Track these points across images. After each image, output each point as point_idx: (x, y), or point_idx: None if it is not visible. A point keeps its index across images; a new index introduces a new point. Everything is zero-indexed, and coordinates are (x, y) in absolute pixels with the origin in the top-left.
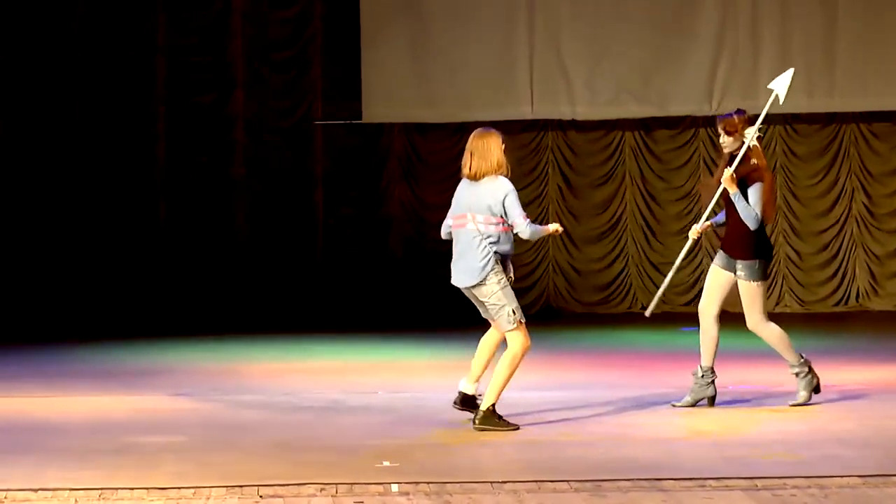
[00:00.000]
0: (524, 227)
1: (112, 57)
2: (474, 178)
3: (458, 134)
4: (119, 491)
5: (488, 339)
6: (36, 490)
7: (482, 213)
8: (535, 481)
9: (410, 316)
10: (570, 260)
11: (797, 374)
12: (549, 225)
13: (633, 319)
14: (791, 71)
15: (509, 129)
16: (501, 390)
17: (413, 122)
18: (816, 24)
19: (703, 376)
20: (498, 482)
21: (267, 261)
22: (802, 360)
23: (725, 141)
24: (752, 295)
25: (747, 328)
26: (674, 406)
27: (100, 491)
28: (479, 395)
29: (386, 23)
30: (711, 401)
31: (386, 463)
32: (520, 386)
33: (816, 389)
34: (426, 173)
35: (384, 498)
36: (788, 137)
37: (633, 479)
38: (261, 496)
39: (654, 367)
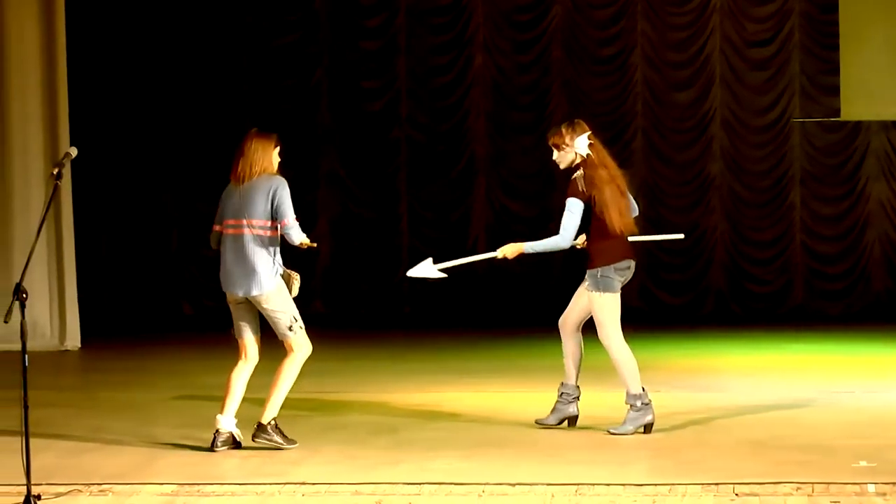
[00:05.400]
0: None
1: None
2: (241, 181)
3: None
4: (596, 486)
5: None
6: (514, 484)
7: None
8: None
9: None
10: None
11: (632, 407)
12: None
13: None
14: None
15: None
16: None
17: (893, 119)
18: None
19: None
20: None
21: (738, 258)
22: (644, 392)
23: (557, 156)
24: (596, 307)
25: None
26: (537, 422)
27: (576, 486)
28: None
29: (866, 20)
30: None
31: (863, 463)
32: None
33: (647, 428)
34: None
35: (861, 498)
36: None
37: None
38: (736, 494)
39: None
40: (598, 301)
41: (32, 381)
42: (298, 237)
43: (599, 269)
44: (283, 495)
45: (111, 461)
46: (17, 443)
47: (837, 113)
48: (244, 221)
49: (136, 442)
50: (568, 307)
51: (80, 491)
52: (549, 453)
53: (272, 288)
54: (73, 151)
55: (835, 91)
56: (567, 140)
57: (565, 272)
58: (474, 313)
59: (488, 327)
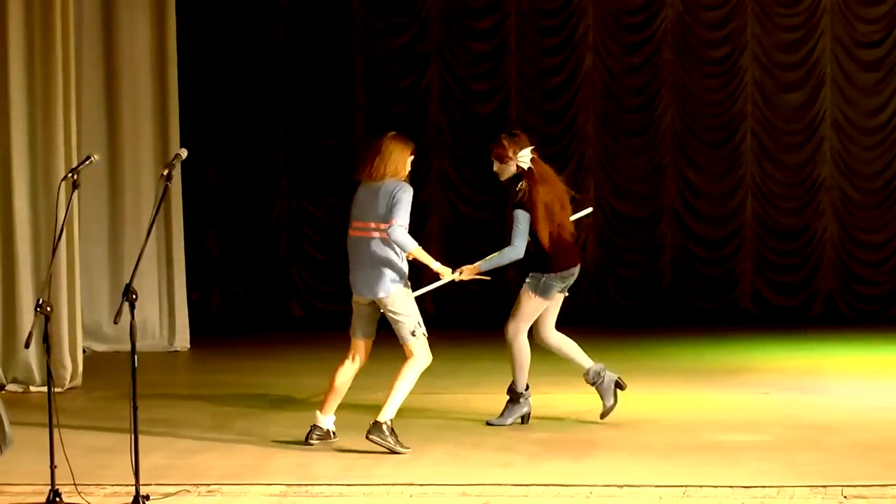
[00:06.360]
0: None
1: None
2: (373, 179)
3: None
4: (703, 488)
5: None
6: (621, 486)
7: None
8: None
9: None
10: None
11: (511, 399)
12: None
13: None
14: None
15: None
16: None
17: None
18: None
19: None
20: None
21: (848, 260)
22: (526, 390)
23: (497, 167)
24: (523, 302)
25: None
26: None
27: (684, 488)
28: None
29: None
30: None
31: None
32: None
33: (524, 418)
34: None
35: None
36: None
37: None
38: (844, 497)
39: None
40: (529, 300)
41: (143, 381)
42: (401, 238)
43: (546, 275)
44: (390, 496)
45: (221, 462)
46: (128, 443)
47: None
48: (371, 224)
49: (246, 442)
50: (536, 324)
51: (188, 491)
52: (657, 455)
53: (397, 290)
54: (184, 153)
55: None
56: (510, 153)
57: (676, 274)
58: (587, 314)
59: (602, 326)
